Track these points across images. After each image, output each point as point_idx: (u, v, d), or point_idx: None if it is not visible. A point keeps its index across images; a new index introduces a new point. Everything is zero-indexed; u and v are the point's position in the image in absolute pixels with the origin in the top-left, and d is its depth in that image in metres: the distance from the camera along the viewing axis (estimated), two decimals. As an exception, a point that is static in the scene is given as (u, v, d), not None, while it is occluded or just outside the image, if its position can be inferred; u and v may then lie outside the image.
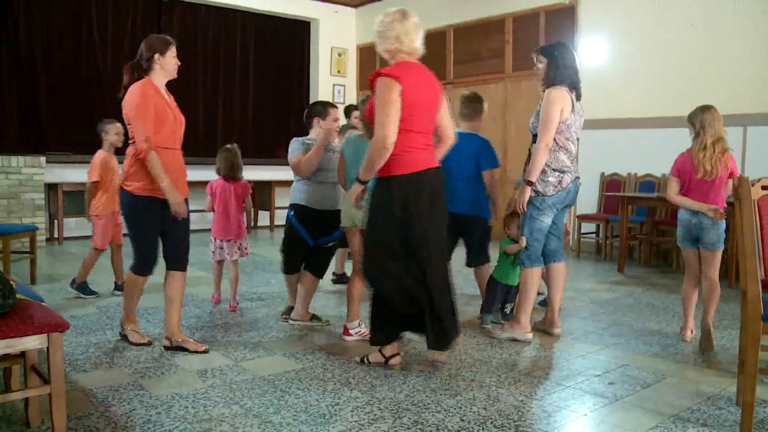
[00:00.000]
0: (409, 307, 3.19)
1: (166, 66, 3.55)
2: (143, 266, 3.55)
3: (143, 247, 3.52)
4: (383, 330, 3.29)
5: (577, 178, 3.84)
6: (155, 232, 3.51)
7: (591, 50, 7.53)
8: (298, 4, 10.21)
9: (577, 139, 3.83)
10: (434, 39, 9.50)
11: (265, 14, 10.02)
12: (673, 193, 3.85)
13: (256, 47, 10.17)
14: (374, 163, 3.05)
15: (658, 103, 6.96)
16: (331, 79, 10.61)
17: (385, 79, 3.05)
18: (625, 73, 7.25)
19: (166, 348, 3.55)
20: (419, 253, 3.11)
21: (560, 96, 3.69)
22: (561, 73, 3.73)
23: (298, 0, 10.21)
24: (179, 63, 3.63)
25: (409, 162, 3.07)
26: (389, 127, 2.98)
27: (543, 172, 3.73)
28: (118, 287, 4.93)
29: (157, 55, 3.48)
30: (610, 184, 7.42)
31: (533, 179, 3.72)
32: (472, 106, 4.38)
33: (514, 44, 8.37)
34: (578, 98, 3.80)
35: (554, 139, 3.70)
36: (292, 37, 10.46)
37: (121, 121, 3.75)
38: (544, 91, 3.76)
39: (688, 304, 3.94)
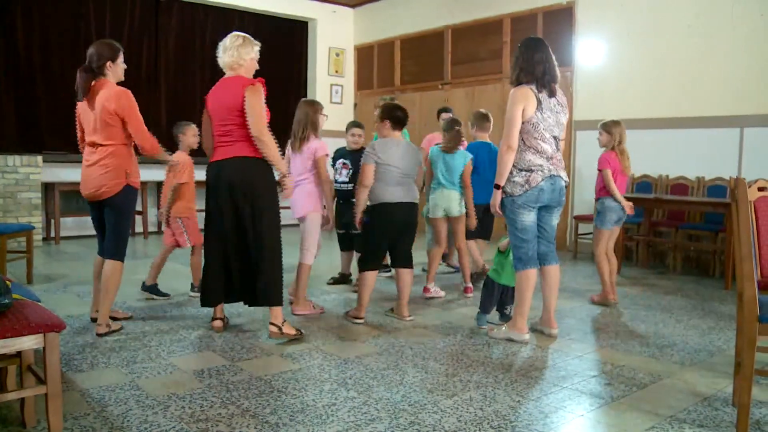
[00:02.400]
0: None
1: (118, 72, 3.94)
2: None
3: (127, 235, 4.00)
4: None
5: (557, 176, 3.77)
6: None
7: (588, 51, 7.55)
8: (296, 4, 10.21)
9: (555, 137, 3.78)
10: (432, 40, 9.58)
11: (262, 14, 10.01)
12: (614, 183, 4.94)
13: (254, 47, 10.16)
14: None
15: (655, 104, 6.97)
16: (329, 79, 10.61)
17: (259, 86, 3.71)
18: (622, 74, 7.26)
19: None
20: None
21: (521, 95, 3.68)
22: (525, 71, 3.72)
23: (296, 0, 10.20)
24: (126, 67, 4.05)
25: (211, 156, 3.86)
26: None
27: (510, 172, 3.73)
28: (195, 288, 4.88)
29: (109, 63, 3.82)
30: (608, 185, 7.41)
31: (501, 183, 3.74)
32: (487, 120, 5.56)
33: (512, 45, 8.36)
34: (551, 95, 3.75)
35: (521, 139, 3.70)
36: (290, 37, 10.45)
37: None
38: None
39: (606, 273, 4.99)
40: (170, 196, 4.84)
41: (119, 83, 3.92)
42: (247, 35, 3.86)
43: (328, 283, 5.43)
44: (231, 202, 3.72)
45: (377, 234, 4.28)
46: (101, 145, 3.79)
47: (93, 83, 3.81)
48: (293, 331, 3.82)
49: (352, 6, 10.69)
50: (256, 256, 3.73)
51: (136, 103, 3.86)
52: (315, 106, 4.55)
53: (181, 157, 4.87)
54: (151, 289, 4.87)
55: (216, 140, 3.81)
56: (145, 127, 3.87)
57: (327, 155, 4.50)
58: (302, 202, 4.43)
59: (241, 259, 3.81)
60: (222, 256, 3.84)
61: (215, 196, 3.78)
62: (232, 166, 3.70)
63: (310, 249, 4.46)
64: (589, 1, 7.53)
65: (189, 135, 4.98)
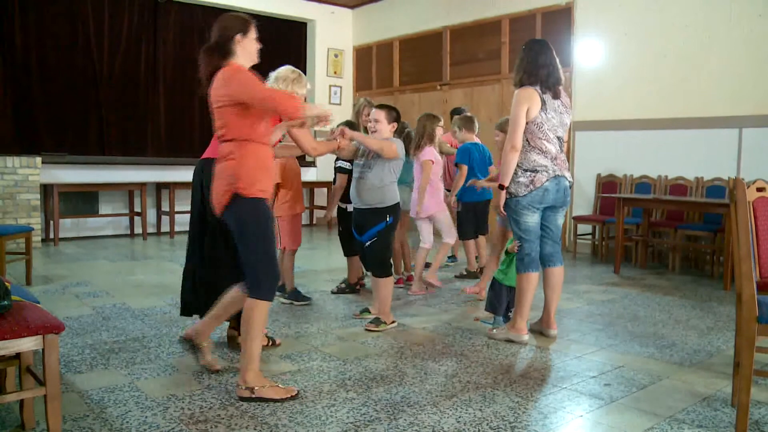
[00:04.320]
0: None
1: (249, 47, 3.02)
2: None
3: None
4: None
5: (561, 177, 3.77)
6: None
7: (587, 51, 7.56)
8: (295, 5, 10.21)
9: (559, 138, 3.78)
10: (430, 40, 9.58)
11: (261, 15, 10.00)
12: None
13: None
14: None
15: (654, 105, 6.98)
16: (328, 80, 10.61)
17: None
18: (621, 75, 7.27)
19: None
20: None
21: (525, 96, 3.69)
22: (529, 74, 3.73)
23: (295, 1, 10.21)
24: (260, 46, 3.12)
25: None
26: None
27: (514, 173, 3.74)
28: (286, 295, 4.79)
29: (238, 36, 2.97)
30: (606, 185, 7.43)
31: (506, 183, 3.74)
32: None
33: (511, 45, 8.38)
34: (555, 97, 3.76)
35: (526, 140, 3.71)
36: (289, 37, 10.45)
37: None
38: None
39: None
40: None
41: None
42: (302, 73, 3.86)
43: (333, 293, 5.21)
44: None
45: (393, 234, 4.25)
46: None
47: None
48: (264, 341, 3.52)
49: (351, 7, 10.70)
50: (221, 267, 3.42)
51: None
52: (432, 119, 5.25)
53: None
54: (292, 295, 4.76)
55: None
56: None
57: (432, 161, 5.15)
58: (425, 204, 5.17)
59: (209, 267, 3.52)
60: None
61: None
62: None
63: (450, 231, 5.37)
64: (588, 2, 7.54)
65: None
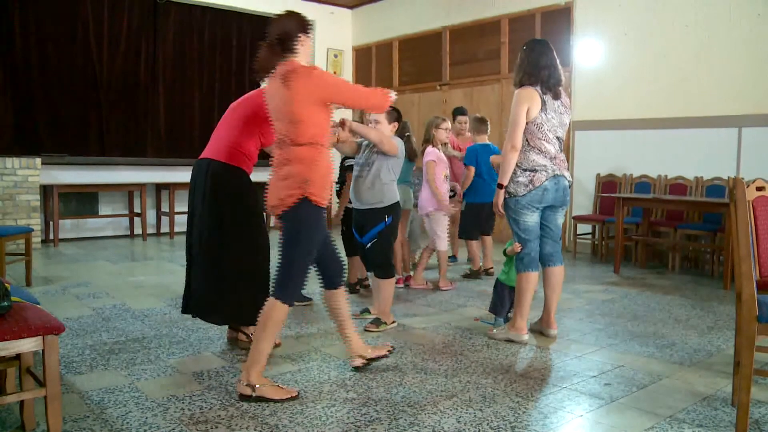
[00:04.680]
0: None
1: (308, 47, 3.03)
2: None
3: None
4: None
5: (560, 176, 3.77)
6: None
7: (586, 51, 7.56)
8: (294, 5, 10.19)
9: (558, 138, 3.79)
10: (430, 40, 9.58)
11: (260, 15, 10.01)
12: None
13: (251, 48, 10.14)
14: None
15: (653, 104, 6.98)
16: (327, 81, 10.60)
17: None
18: (621, 74, 7.27)
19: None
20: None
21: (526, 96, 3.70)
22: (529, 74, 3.73)
23: (294, 1, 10.20)
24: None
25: None
26: None
27: (513, 172, 3.74)
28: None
29: (302, 35, 2.96)
30: (606, 185, 7.43)
31: (504, 183, 3.75)
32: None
33: (510, 45, 8.38)
34: (556, 97, 3.76)
35: (525, 140, 3.71)
36: (288, 38, 10.44)
37: None
38: None
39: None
40: None
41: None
42: None
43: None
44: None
45: (394, 234, 4.24)
46: None
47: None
48: None
49: (350, 7, 10.70)
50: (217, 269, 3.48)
51: None
52: (435, 122, 5.38)
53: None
54: None
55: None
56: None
57: (434, 161, 5.22)
58: (423, 201, 5.38)
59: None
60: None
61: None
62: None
63: (441, 237, 5.35)
64: (587, 2, 7.54)
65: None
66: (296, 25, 2.94)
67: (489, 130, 6.00)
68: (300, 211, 2.86)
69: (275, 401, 2.84)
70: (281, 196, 2.87)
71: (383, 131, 4.03)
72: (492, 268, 6.01)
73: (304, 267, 2.92)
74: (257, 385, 2.85)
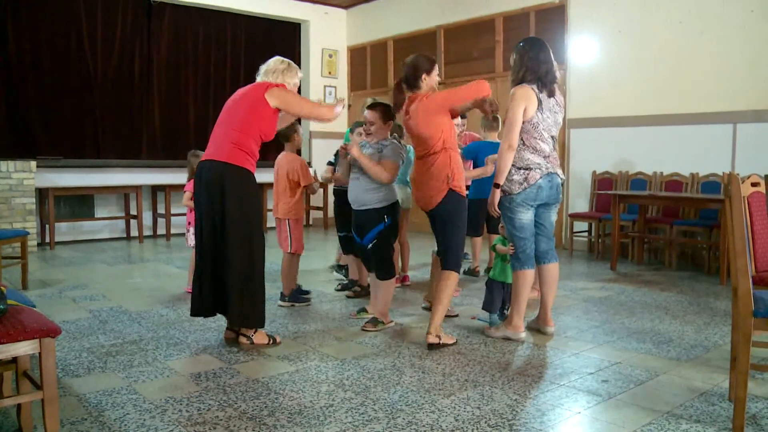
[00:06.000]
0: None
1: (431, 83, 3.83)
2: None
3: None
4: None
5: (554, 174, 3.78)
6: None
7: (581, 49, 7.57)
8: (289, 5, 10.20)
9: (552, 137, 3.80)
10: (424, 39, 9.58)
11: (255, 16, 10.01)
12: None
13: (246, 49, 10.15)
14: None
15: (648, 101, 7.00)
16: (322, 81, 10.61)
17: None
18: (616, 72, 7.29)
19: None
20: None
21: (523, 95, 3.70)
22: (526, 71, 3.73)
23: (289, 1, 10.20)
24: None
25: None
26: None
27: (508, 171, 3.74)
28: (285, 298, 4.78)
29: (424, 74, 3.76)
30: (602, 182, 7.45)
31: (500, 182, 3.75)
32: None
33: (505, 44, 8.39)
34: (550, 95, 3.77)
35: (521, 139, 3.72)
36: (283, 38, 10.44)
37: None
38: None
39: None
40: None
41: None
42: (292, 62, 3.90)
43: (337, 290, 5.26)
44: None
45: (394, 234, 4.21)
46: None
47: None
48: (266, 340, 3.74)
49: (345, 7, 10.70)
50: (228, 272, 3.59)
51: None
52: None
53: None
54: (291, 297, 4.75)
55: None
56: None
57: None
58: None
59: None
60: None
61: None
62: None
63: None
64: None
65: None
66: (421, 67, 3.77)
67: (500, 127, 5.80)
68: (450, 201, 3.68)
69: (449, 345, 3.70)
70: (435, 193, 3.67)
71: (378, 134, 4.07)
72: (478, 267, 6.02)
73: (460, 243, 3.77)
74: (441, 335, 3.68)
